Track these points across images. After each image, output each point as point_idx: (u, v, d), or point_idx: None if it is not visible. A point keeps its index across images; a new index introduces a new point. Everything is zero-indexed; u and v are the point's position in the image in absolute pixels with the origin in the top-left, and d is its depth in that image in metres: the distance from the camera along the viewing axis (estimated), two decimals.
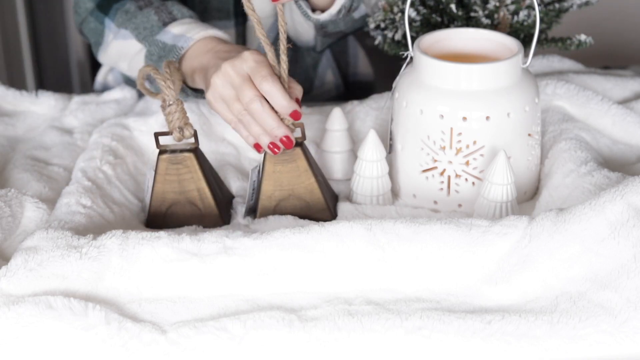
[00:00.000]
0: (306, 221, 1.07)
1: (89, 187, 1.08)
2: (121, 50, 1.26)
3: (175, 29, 1.18)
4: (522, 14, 1.25)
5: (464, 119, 1.05)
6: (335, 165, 1.17)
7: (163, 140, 1.11)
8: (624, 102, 1.26)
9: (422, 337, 0.85)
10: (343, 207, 1.10)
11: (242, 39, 1.40)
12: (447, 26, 1.29)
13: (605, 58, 1.89)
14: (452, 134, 1.06)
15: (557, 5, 1.27)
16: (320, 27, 1.30)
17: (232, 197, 1.14)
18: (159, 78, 1.03)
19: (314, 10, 1.26)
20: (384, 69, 1.55)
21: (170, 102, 1.05)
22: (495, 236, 0.94)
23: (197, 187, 1.07)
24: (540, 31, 1.30)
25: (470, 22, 1.27)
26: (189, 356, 0.85)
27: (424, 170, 1.09)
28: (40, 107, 1.33)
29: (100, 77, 1.53)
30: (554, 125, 1.17)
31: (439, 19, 1.28)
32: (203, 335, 0.86)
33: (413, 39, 1.22)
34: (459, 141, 1.06)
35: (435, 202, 1.10)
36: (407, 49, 1.13)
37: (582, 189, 1.04)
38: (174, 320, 0.90)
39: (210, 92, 1.06)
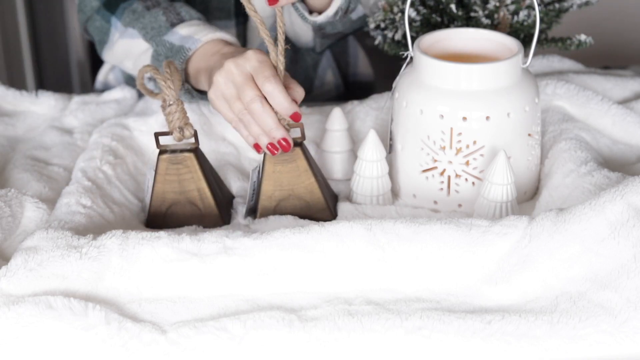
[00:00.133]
0: (306, 221, 1.07)
1: (89, 187, 1.08)
2: (127, 49, 1.26)
3: (183, 30, 1.18)
4: (522, 14, 1.26)
5: (464, 119, 1.05)
6: (335, 165, 1.17)
7: (163, 140, 1.11)
8: (624, 102, 1.26)
9: (422, 337, 0.85)
10: (343, 207, 1.10)
11: (242, 39, 1.40)
12: (447, 26, 1.29)
13: (605, 58, 1.89)
14: (452, 134, 1.06)
15: (557, 5, 1.27)
16: (318, 29, 1.30)
17: (232, 197, 1.14)
18: (159, 78, 1.03)
19: (311, 12, 1.26)
20: (384, 69, 1.54)
21: (171, 102, 1.05)
22: (495, 236, 0.94)
23: (197, 187, 1.07)
24: (540, 31, 1.30)
25: (470, 22, 1.27)
26: (189, 356, 0.85)
27: (424, 170, 1.09)
28: (40, 107, 1.33)
29: (101, 76, 1.53)
30: (554, 125, 1.17)
31: (439, 19, 1.28)
32: (203, 335, 0.86)
33: (413, 39, 1.22)
34: (459, 141, 1.06)
35: (435, 202, 1.10)
36: (407, 49, 1.13)
37: (582, 189, 1.04)
38: (174, 320, 0.90)
39: (213, 90, 1.06)
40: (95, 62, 1.72)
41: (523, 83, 1.07)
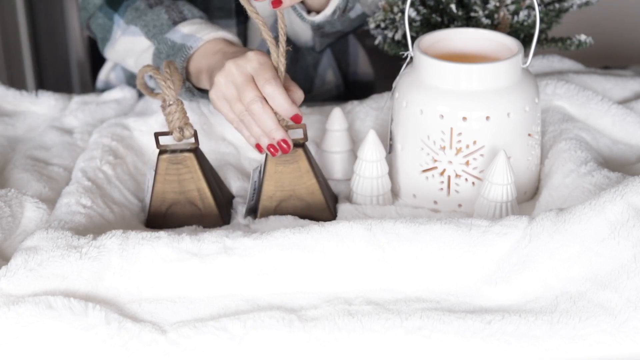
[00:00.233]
0: (306, 221, 1.07)
1: (89, 187, 1.08)
2: (129, 47, 1.26)
3: (185, 28, 1.18)
4: (522, 14, 1.26)
5: (464, 119, 1.05)
6: (335, 165, 1.17)
7: (163, 140, 1.11)
8: (624, 102, 1.26)
9: (422, 337, 0.85)
10: (343, 207, 1.10)
11: (243, 38, 1.40)
12: (447, 26, 1.29)
13: (605, 58, 1.89)
14: (452, 134, 1.06)
15: (557, 5, 1.27)
16: (317, 28, 1.30)
17: (232, 197, 1.14)
18: (159, 78, 1.03)
19: (309, 11, 1.26)
20: (384, 69, 1.54)
21: (170, 102, 1.05)
22: (495, 236, 0.94)
23: (197, 187, 1.07)
24: (540, 31, 1.30)
25: (470, 22, 1.27)
26: (189, 356, 0.85)
27: (424, 170, 1.09)
28: (40, 107, 1.33)
29: (102, 75, 1.53)
30: (554, 125, 1.17)
31: (439, 19, 1.28)
32: (203, 335, 0.86)
33: (413, 39, 1.22)
34: (459, 141, 1.06)
35: (435, 202, 1.10)
36: (407, 49, 1.13)
37: (582, 189, 1.04)
38: (174, 320, 0.90)
39: (214, 90, 1.07)
40: (96, 62, 1.72)
41: (523, 83, 1.07)
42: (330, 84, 1.51)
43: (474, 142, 1.06)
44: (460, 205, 1.09)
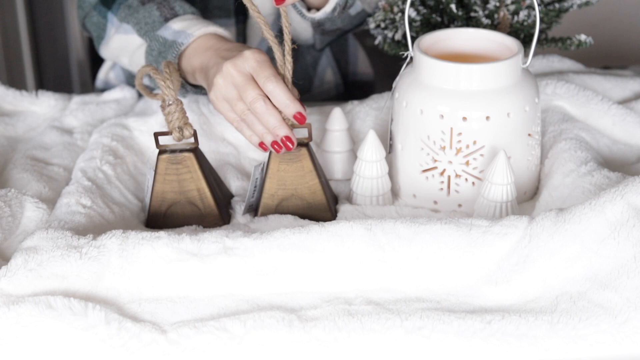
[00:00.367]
0: (306, 221, 1.07)
1: (89, 187, 1.08)
2: (122, 45, 1.26)
3: (176, 24, 1.18)
4: (522, 14, 1.25)
5: (464, 119, 1.05)
6: (335, 165, 1.17)
7: (163, 140, 1.11)
8: (624, 102, 1.26)
9: (422, 337, 0.85)
10: (343, 207, 1.10)
11: (242, 37, 1.40)
12: (447, 26, 1.29)
13: (605, 58, 1.89)
14: (452, 134, 1.06)
15: (557, 5, 1.27)
16: (317, 25, 1.30)
17: (232, 197, 1.14)
18: (159, 78, 1.03)
19: (309, 9, 1.26)
20: (384, 69, 1.55)
21: (170, 102, 1.05)
22: (495, 236, 0.94)
23: (197, 187, 1.07)
24: (540, 31, 1.30)
25: (470, 22, 1.27)
26: (189, 356, 0.85)
27: (424, 170, 1.09)
28: (40, 107, 1.33)
29: (102, 74, 1.54)
30: (554, 125, 1.17)
31: (439, 19, 1.28)
32: (203, 335, 0.86)
33: (413, 39, 1.22)
34: (459, 141, 1.06)
35: (435, 202, 1.10)
36: (407, 49, 1.13)
37: (582, 189, 1.04)
38: (174, 320, 0.90)
39: (213, 92, 1.07)
40: (95, 62, 1.72)
41: (523, 83, 1.07)
42: (329, 84, 1.51)
43: (474, 142, 1.06)
44: (460, 205, 1.09)
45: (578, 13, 1.34)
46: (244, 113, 1.05)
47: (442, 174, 1.08)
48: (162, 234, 0.95)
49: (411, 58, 1.11)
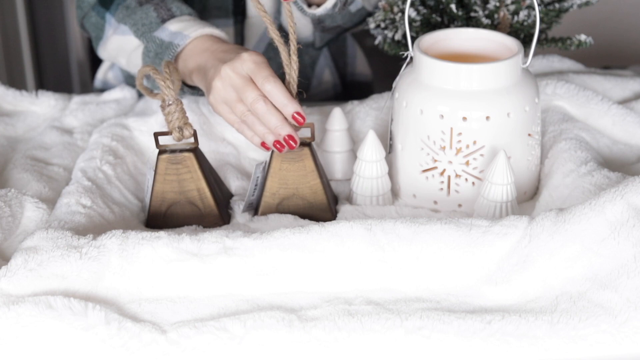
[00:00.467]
0: (306, 221, 1.07)
1: (89, 187, 1.08)
2: (120, 46, 1.26)
3: (172, 26, 1.18)
4: (522, 14, 1.25)
5: (464, 119, 1.05)
6: (335, 165, 1.17)
7: (163, 140, 1.11)
8: (624, 102, 1.26)
9: (422, 337, 0.85)
10: (343, 207, 1.10)
11: (240, 38, 1.40)
12: (447, 26, 1.29)
13: (605, 58, 1.89)
14: (452, 134, 1.06)
15: (557, 5, 1.27)
16: (318, 22, 1.30)
17: (231, 196, 1.14)
18: (159, 78, 1.03)
19: (310, 5, 1.26)
20: (384, 69, 1.55)
21: (170, 102, 1.05)
22: (495, 236, 0.94)
23: (197, 187, 1.07)
24: (540, 31, 1.30)
25: (470, 22, 1.27)
26: (189, 356, 0.85)
27: (424, 170, 1.09)
28: (40, 107, 1.33)
29: (100, 74, 1.54)
30: (554, 125, 1.17)
31: (439, 19, 1.28)
32: (203, 335, 0.86)
33: (413, 39, 1.22)
34: (459, 141, 1.06)
35: (435, 202, 1.10)
36: (407, 49, 1.13)
37: (582, 189, 1.04)
38: (174, 320, 0.90)
39: (212, 95, 1.07)
40: (95, 62, 1.72)
41: (523, 83, 1.07)
42: (327, 84, 1.51)
43: (474, 142, 1.06)
44: (460, 205, 1.09)
45: (578, 13, 1.34)
46: (244, 114, 1.05)
47: (442, 174, 1.08)
48: (162, 234, 0.95)
49: (411, 58, 1.11)
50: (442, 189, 1.09)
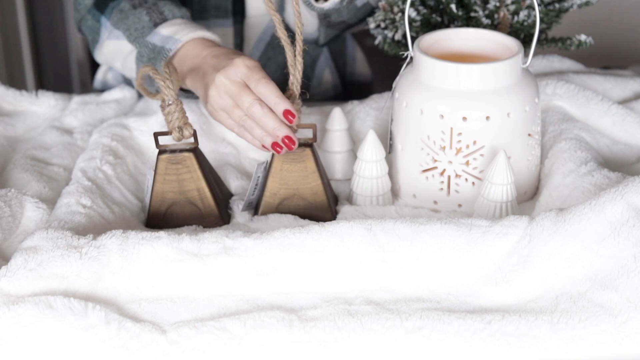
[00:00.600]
0: (306, 221, 1.07)
1: (89, 187, 1.08)
2: (115, 50, 1.26)
3: (164, 30, 1.19)
4: (522, 14, 1.25)
5: (464, 119, 1.05)
6: (335, 165, 1.17)
7: (162, 140, 1.11)
8: (624, 102, 1.26)
9: (422, 337, 0.85)
10: (343, 207, 1.10)
11: (239, 38, 1.40)
12: (447, 26, 1.29)
13: (605, 58, 1.89)
14: (452, 134, 1.06)
15: (557, 5, 1.27)
16: (324, 17, 1.31)
17: (231, 197, 1.14)
18: (159, 78, 1.03)
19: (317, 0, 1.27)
20: (384, 69, 1.54)
21: (170, 102, 1.05)
22: (495, 236, 0.94)
23: (197, 187, 1.07)
24: (540, 31, 1.30)
25: (470, 22, 1.27)
26: (189, 356, 0.85)
27: (424, 170, 1.09)
28: (40, 107, 1.33)
29: (100, 75, 1.54)
30: (554, 125, 1.17)
31: (439, 19, 1.28)
32: (203, 335, 0.86)
33: (413, 39, 1.22)
34: (459, 141, 1.06)
35: (435, 202, 1.10)
36: (407, 49, 1.13)
37: (582, 189, 1.04)
38: (174, 320, 0.90)
39: (209, 104, 1.08)
40: (95, 62, 1.72)
41: (523, 83, 1.07)
42: (328, 84, 1.51)
43: (474, 142, 1.06)
44: (460, 205, 1.09)
45: (578, 13, 1.34)
46: (242, 119, 1.06)
47: (442, 174, 1.08)
48: (162, 234, 0.95)
49: (411, 58, 1.11)
50: (442, 189, 1.09)
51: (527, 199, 1.12)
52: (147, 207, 1.09)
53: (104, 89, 1.51)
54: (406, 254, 0.94)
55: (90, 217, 1.04)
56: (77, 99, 1.34)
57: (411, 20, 1.28)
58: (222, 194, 1.11)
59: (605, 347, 0.84)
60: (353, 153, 1.18)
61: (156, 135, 1.06)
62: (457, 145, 1.06)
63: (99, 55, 1.31)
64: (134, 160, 1.18)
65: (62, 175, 1.16)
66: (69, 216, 1.03)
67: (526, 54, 1.09)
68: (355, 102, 1.26)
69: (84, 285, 0.92)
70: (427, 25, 1.28)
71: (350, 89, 1.55)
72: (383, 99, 1.25)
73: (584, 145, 1.12)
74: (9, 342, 0.86)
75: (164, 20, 1.20)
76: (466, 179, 1.08)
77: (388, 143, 1.14)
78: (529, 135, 1.09)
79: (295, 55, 1.04)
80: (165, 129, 1.15)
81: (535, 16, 1.26)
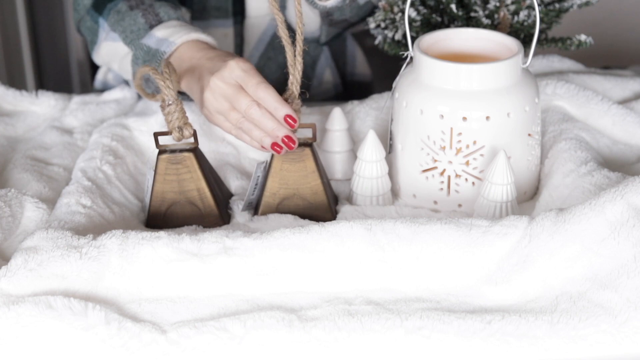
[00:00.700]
0: (306, 221, 1.07)
1: (89, 187, 1.08)
2: (112, 51, 1.26)
3: (159, 32, 1.19)
4: (522, 14, 1.25)
5: (464, 119, 1.05)
6: (335, 165, 1.17)
7: (162, 140, 1.11)
8: (624, 102, 1.26)
9: (422, 337, 0.85)
10: (343, 207, 1.10)
11: (240, 38, 1.40)
12: (447, 26, 1.29)
13: (605, 58, 1.89)
14: (452, 134, 1.06)
15: (557, 5, 1.27)
16: (326, 15, 1.31)
17: (231, 196, 1.14)
18: (158, 78, 1.03)
19: None
20: (384, 69, 1.54)
21: (170, 102, 1.05)
22: (495, 236, 0.94)
23: (197, 187, 1.07)
24: (540, 31, 1.30)
25: (470, 22, 1.27)
26: (189, 356, 0.85)
27: (424, 170, 1.09)
28: (40, 107, 1.33)
29: (100, 75, 1.54)
30: (554, 125, 1.17)
31: (439, 19, 1.28)
32: (203, 335, 0.86)
33: (413, 39, 1.22)
34: (459, 141, 1.06)
35: (435, 202, 1.10)
36: (407, 49, 1.13)
37: (582, 189, 1.04)
38: (174, 320, 0.90)
39: (205, 108, 1.08)
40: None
41: (523, 83, 1.07)
42: (328, 84, 1.51)
43: (474, 142, 1.06)
44: (460, 205, 1.09)
45: (578, 13, 1.34)
46: (239, 122, 1.06)
47: (442, 174, 1.08)
48: (162, 234, 0.95)
49: (411, 58, 1.11)
50: (442, 189, 1.09)
51: (527, 199, 1.12)
52: (147, 207, 1.09)
53: (104, 89, 1.51)
54: (406, 254, 0.94)
55: (90, 217, 1.04)
56: (77, 99, 1.34)
57: (411, 20, 1.28)
58: (222, 194, 1.11)
59: (605, 347, 0.84)
60: (353, 153, 1.18)
61: (156, 135, 1.06)
62: (457, 145, 1.06)
63: (97, 57, 1.31)
64: (134, 160, 1.18)
65: (62, 175, 1.16)
66: (69, 216, 1.03)
67: (526, 54, 1.09)
68: (355, 102, 1.26)
69: (84, 285, 0.92)
70: (427, 25, 1.28)
71: (351, 89, 1.55)
72: (383, 99, 1.25)
73: (584, 145, 1.12)
74: (9, 342, 0.86)
75: (160, 22, 1.20)
76: (466, 179, 1.08)
77: (388, 143, 1.14)
78: (529, 135, 1.09)
79: (295, 55, 1.04)
80: (165, 129, 1.15)
81: (535, 16, 1.26)
